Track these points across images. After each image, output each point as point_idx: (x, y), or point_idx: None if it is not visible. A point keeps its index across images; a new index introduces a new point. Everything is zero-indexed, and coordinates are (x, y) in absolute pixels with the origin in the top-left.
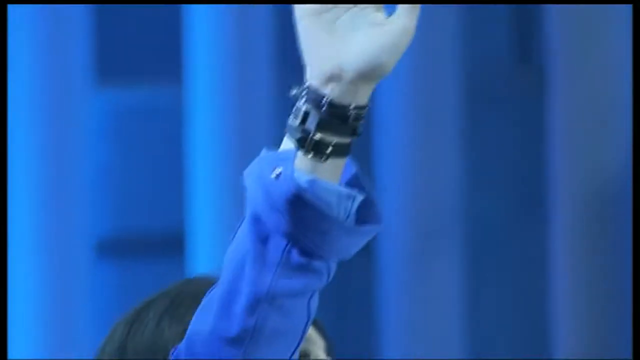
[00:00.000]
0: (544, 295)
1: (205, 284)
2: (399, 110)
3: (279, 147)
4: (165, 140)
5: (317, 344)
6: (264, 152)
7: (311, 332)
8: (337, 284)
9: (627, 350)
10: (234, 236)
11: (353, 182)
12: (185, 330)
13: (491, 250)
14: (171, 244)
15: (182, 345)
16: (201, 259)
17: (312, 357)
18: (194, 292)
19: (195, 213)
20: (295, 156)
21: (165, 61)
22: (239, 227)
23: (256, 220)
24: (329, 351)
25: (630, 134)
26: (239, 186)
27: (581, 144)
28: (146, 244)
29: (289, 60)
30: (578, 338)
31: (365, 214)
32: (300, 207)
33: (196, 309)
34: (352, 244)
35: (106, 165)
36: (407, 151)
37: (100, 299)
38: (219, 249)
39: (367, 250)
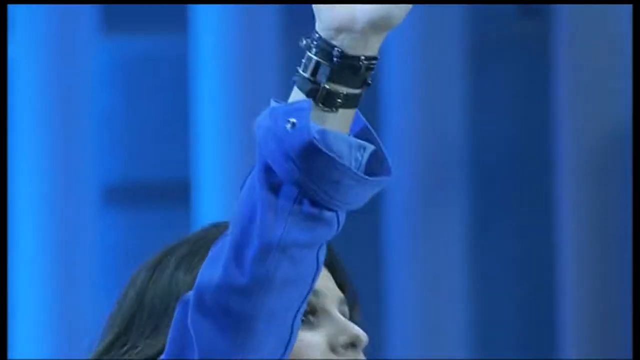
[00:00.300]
0: (549, 243)
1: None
2: (404, 62)
3: (285, 95)
4: (171, 88)
5: (330, 298)
6: (274, 104)
7: (326, 283)
8: (343, 230)
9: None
10: (242, 186)
11: (362, 135)
12: (194, 279)
13: (496, 196)
14: (177, 191)
15: (190, 295)
16: (207, 206)
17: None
18: (212, 239)
19: (201, 161)
20: (311, 107)
21: (172, 9)
22: (248, 177)
23: (268, 170)
24: (350, 304)
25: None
26: (244, 134)
27: (586, 94)
28: (152, 191)
29: (297, 8)
30: (582, 277)
31: (375, 165)
32: (314, 157)
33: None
34: (362, 194)
35: (112, 113)
36: (412, 103)
37: (107, 246)
38: (225, 196)
39: (373, 198)
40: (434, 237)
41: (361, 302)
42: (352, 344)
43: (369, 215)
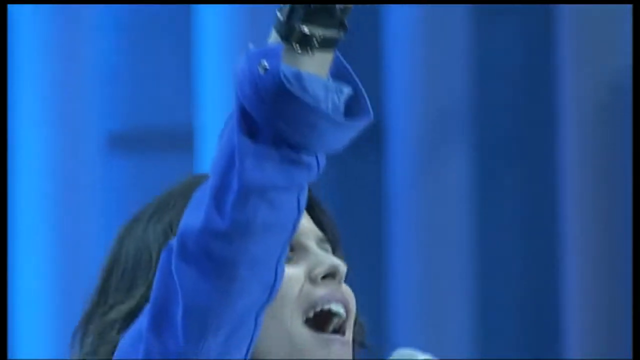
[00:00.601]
0: (553, 195)
1: (197, 182)
2: (407, 15)
3: None
4: (174, 34)
5: (308, 235)
6: (251, 47)
7: (303, 221)
8: (347, 178)
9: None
10: (222, 132)
11: (341, 76)
12: (165, 228)
13: (500, 149)
14: (181, 138)
15: (174, 242)
16: (210, 153)
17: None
18: (185, 190)
19: (205, 108)
20: (281, 50)
21: None
22: (227, 122)
23: (245, 114)
24: (335, 246)
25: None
26: None
27: (588, 46)
28: (156, 138)
29: None
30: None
31: (355, 107)
32: (288, 101)
33: (181, 206)
34: (340, 137)
35: (116, 59)
36: (417, 54)
37: (111, 193)
38: None
39: (378, 147)
40: (437, 191)
41: (363, 257)
42: (331, 275)
43: (373, 168)
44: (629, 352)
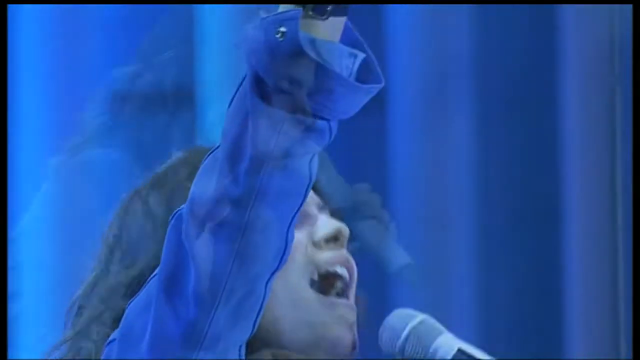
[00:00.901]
0: (555, 149)
1: (197, 153)
2: None
3: None
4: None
5: (308, 202)
6: (262, 14)
7: None
8: (350, 137)
9: None
10: (232, 98)
11: (350, 44)
12: (168, 198)
13: (502, 104)
14: (182, 97)
15: (184, 209)
16: (212, 110)
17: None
18: (181, 160)
19: (207, 67)
20: (300, 15)
21: None
22: (238, 89)
23: (259, 80)
24: (333, 212)
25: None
26: None
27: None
28: (157, 95)
29: None
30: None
31: (365, 75)
32: (305, 65)
33: (183, 174)
34: (354, 102)
35: (117, 20)
36: (417, 9)
37: (114, 153)
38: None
39: (381, 105)
40: (439, 149)
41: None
42: (334, 238)
43: (376, 126)
44: (629, 352)
